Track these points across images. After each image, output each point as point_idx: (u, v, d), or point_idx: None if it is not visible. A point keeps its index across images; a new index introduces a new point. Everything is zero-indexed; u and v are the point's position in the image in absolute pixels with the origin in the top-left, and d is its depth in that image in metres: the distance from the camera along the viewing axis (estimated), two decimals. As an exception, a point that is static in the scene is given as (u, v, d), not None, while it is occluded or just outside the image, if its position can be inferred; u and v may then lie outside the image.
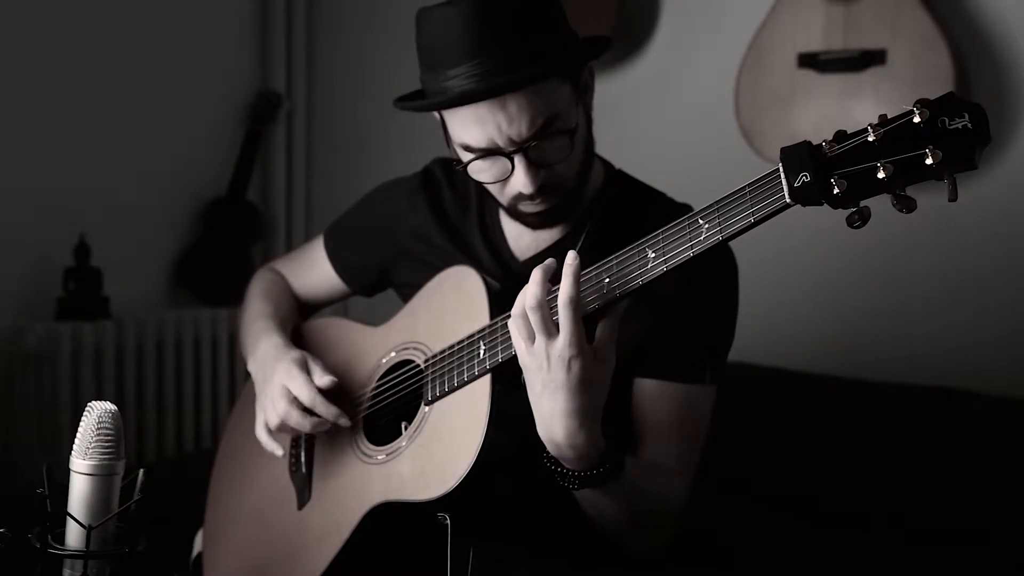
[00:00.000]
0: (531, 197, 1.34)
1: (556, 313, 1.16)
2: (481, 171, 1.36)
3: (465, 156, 1.35)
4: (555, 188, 1.36)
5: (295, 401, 1.41)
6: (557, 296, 1.16)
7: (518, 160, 1.31)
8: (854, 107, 2.15)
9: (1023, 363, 2.13)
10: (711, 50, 2.49)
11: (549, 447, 1.23)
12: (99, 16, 2.75)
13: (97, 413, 1.06)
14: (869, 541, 1.92)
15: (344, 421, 1.40)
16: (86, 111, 2.73)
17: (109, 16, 2.77)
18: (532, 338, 1.17)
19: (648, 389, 1.36)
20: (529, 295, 1.16)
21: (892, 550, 1.89)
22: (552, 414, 1.19)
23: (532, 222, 1.41)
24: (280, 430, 1.44)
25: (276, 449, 1.48)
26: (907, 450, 1.96)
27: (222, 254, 3.05)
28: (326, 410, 1.39)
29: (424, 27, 1.31)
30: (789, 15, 2.24)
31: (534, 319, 1.16)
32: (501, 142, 1.29)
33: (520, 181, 1.32)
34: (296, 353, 1.47)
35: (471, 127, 1.30)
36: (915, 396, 2.01)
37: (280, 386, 1.42)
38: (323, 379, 1.40)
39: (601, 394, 1.19)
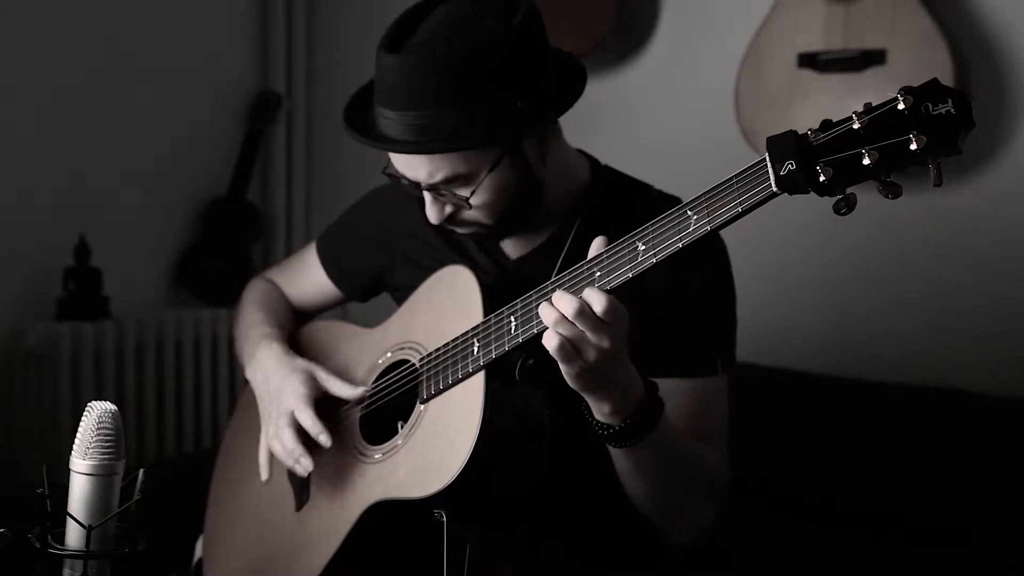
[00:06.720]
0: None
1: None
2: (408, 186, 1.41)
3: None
4: (465, 223, 1.40)
5: (300, 431, 1.42)
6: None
7: (424, 193, 1.37)
8: (854, 107, 2.14)
9: (1023, 363, 2.12)
10: (711, 50, 2.49)
11: (614, 410, 1.22)
12: (99, 16, 2.74)
13: (97, 413, 1.06)
14: (869, 541, 1.92)
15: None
16: (86, 111, 2.73)
17: (109, 16, 2.77)
18: (572, 357, 1.15)
19: (664, 387, 1.35)
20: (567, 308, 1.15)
21: (892, 550, 1.89)
22: (628, 382, 1.21)
23: (467, 238, 1.46)
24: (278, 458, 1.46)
25: (265, 472, 1.49)
26: (907, 450, 1.96)
27: (222, 254, 3.04)
28: (327, 440, 1.40)
29: (377, 61, 1.33)
30: (789, 15, 2.24)
31: (581, 324, 1.14)
32: (410, 178, 1.36)
33: (427, 210, 1.38)
34: (301, 363, 1.48)
35: (392, 155, 1.37)
36: (915, 396, 2.01)
37: (287, 414, 1.43)
38: (351, 391, 1.43)
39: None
